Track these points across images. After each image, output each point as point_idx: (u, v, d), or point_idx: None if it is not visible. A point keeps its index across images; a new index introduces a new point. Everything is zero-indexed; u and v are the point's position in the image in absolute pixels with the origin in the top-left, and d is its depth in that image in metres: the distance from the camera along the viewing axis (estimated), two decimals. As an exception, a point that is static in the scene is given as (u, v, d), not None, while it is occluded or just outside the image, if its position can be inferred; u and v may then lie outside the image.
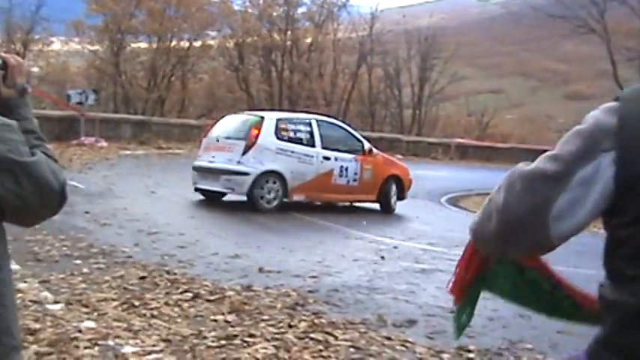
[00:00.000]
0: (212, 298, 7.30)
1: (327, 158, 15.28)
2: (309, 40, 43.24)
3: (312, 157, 15.11)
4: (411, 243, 12.18)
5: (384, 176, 16.04)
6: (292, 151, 14.88)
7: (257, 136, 14.65)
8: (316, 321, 6.77)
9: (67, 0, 40.13)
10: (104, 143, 24.49)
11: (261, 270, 8.84)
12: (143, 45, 41.07)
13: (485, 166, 35.45)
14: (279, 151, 14.70)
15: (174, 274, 8.23)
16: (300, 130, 15.30)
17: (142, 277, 7.93)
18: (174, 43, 39.22)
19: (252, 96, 41.18)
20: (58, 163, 2.25)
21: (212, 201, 15.15)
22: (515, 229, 1.83)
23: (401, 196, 16.41)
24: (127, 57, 39.46)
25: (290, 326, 6.56)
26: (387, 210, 16.13)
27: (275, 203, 14.54)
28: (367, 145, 16.05)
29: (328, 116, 19.48)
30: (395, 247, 11.46)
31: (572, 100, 72.05)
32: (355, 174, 15.58)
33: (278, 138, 14.84)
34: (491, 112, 49.43)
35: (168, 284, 7.72)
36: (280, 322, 6.66)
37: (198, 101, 42.21)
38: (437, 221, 16.05)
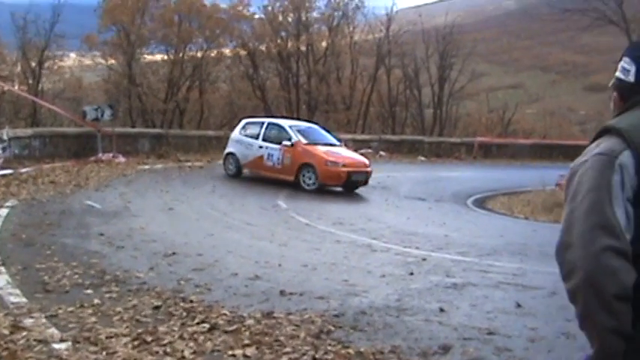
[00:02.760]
0: (230, 328, 6.80)
1: (260, 147, 21.22)
2: (324, 44, 42.74)
3: (252, 145, 21.46)
4: (440, 253, 11.59)
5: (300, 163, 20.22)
6: (241, 141, 21.96)
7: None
8: (343, 352, 6.26)
9: (81, 15, 39.93)
10: (122, 159, 24.11)
11: (282, 293, 8.31)
12: (158, 57, 40.77)
13: (510, 164, 35.07)
14: (238, 141, 22.11)
15: (191, 301, 7.73)
16: (253, 129, 22.00)
17: (156, 307, 7.45)
18: (189, 53, 38.85)
19: (268, 103, 40.74)
20: None
21: (230, 217, 14.80)
22: None
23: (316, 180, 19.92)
24: (142, 69, 39.13)
25: (314, 359, 6.05)
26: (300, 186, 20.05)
27: (234, 171, 21.96)
28: (294, 139, 20.55)
29: (308, 121, 26.60)
30: (424, 260, 10.87)
31: (593, 91, 70.87)
32: (278, 159, 20.67)
33: (240, 133, 22.36)
34: (512, 108, 48.76)
35: (184, 314, 7.23)
36: (304, 354, 6.15)
37: (218, 111, 41.80)
38: (465, 226, 15.52)
